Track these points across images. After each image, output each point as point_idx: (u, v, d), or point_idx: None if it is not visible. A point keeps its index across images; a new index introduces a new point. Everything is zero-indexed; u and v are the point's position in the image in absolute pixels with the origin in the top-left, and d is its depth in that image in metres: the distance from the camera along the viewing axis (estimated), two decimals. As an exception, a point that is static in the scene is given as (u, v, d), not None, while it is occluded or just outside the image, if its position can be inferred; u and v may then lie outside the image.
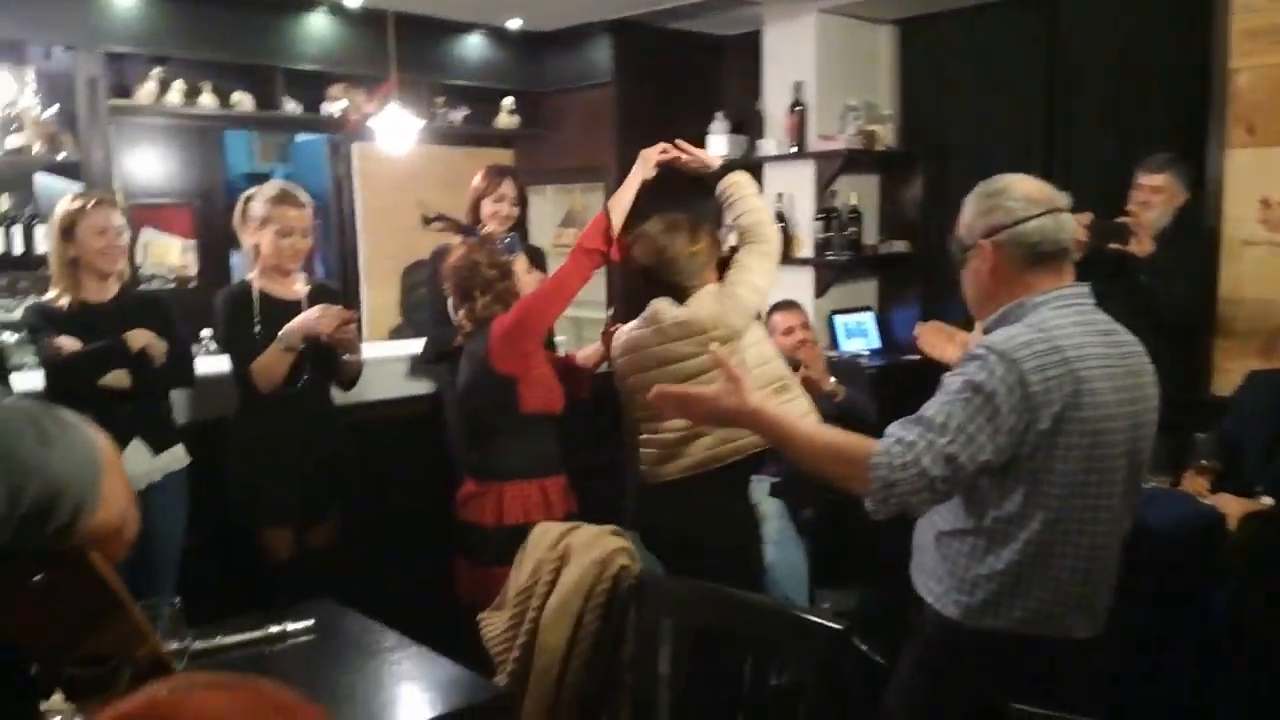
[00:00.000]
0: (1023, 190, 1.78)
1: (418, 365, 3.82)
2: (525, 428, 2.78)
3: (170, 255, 5.05)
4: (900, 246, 5.24)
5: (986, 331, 1.82)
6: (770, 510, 3.61)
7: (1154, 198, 3.86)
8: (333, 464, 3.23)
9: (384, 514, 3.52)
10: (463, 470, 3.00)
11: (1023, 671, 1.75)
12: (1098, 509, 1.72)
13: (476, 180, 3.68)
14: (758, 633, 1.90)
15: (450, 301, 2.94)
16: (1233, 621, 2.27)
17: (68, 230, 2.96)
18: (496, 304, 2.79)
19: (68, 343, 2.89)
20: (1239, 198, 3.92)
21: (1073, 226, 1.81)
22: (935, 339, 2.30)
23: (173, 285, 4.97)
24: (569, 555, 2.19)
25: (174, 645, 1.82)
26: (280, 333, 3.02)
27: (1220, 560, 2.27)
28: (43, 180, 4.44)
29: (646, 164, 2.98)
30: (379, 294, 5.52)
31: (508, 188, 3.64)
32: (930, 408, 1.68)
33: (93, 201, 3.02)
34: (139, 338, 2.95)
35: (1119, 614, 2.43)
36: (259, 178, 6.41)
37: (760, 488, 3.76)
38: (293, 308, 3.13)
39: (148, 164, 5.07)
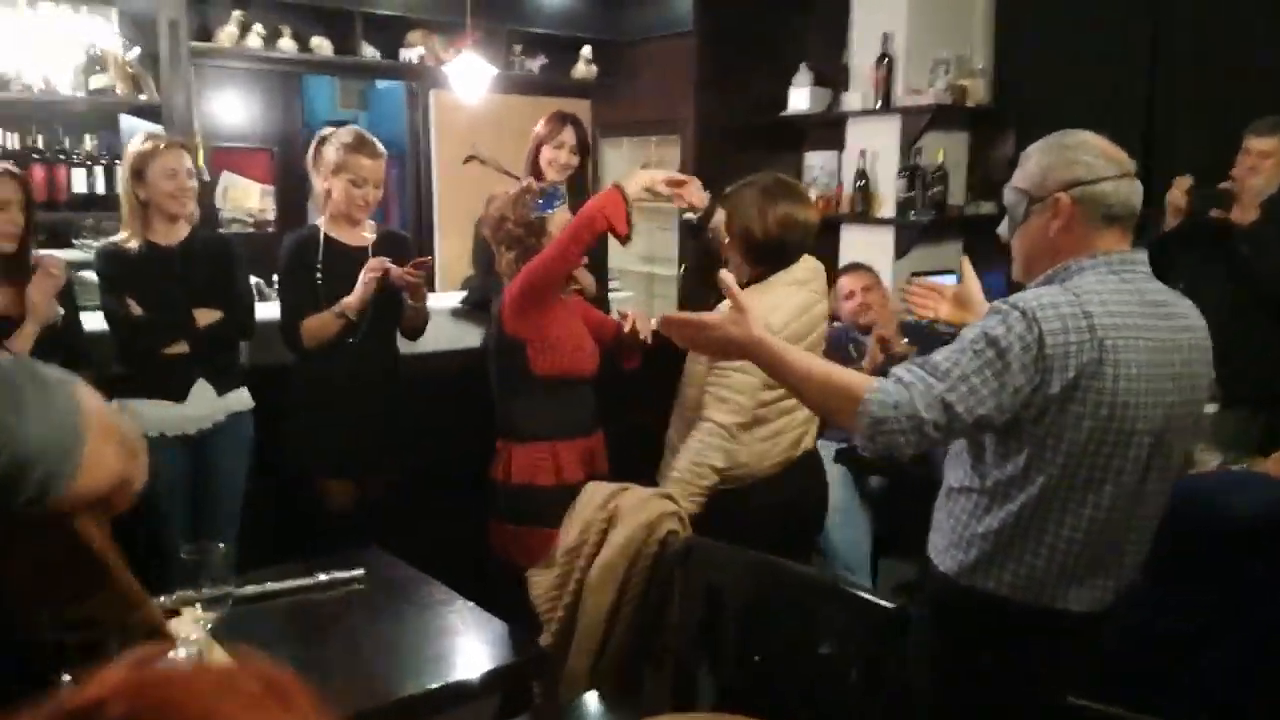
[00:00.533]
0: (1102, 148, 1.72)
1: (475, 315, 3.78)
2: (540, 390, 2.69)
3: (249, 199, 5.10)
4: (988, 208, 5.03)
5: None
6: (834, 477, 3.52)
7: (1262, 163, 3.62)
8: (394, 414, 3.23)
9: (444, 466, 3.51)
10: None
11: (1008, 634, 1.73)
12: (1104, 483, 1.65)
13: (538, 126, 3.60)
14: (807, 606, 1.84)
15: None
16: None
17: (138, 172, 2.99)
18: (521, 262, 2.69)
19: (134, 305, 2.95)
20: (1354, 164, 3.65)
21: (1141, 194, 1.73)
22: (926, 299, 2.20)
23: (251, 229, 5.03)
24: (617, 517, 2.15)
25: (221, 590, 1.84)
26: (341, 301, 3.02)
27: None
28: (129, 123, 4.50)
29: (641, 181, 2.73)
30: (452, 244, 5.50)
31: (568, 135, 3.54)
32: (940, 353, 1.64)
33: (164, 143, 3.03)
34: (206, 317, 3.01)
35: (1200, 599, 2.32)
36: (339, 124, 6.48)
37: (825, 453, 3.68)
38: (359, 254, 3.12)
39: (228, 108, 5.11)
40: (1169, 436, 1.66)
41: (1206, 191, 3.60)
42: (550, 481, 2.58)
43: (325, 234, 3.14)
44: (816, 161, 5.55)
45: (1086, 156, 1.69)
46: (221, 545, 1.83)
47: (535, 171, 3.57)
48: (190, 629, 1.80)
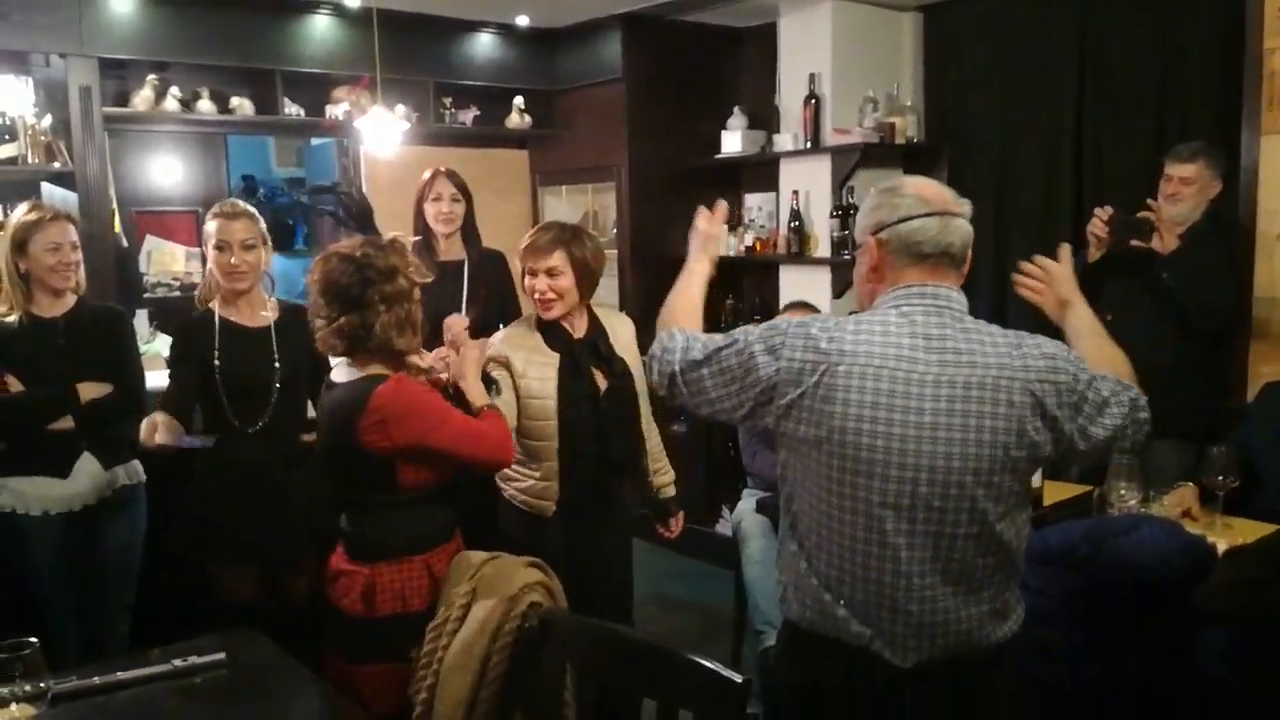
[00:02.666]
0: (916, 190, 1.72)
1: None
2: (407, 501, 2.23)
3: (174, 263, 5.02)
4: (924, 244, 4.97)
5: None
6: (754, 528, 3.42)
7: (1183, 189, 3.57)
8: (305, 506, 2.87)
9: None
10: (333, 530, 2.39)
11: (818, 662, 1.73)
12: (842, 522, 1.65)
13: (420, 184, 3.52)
14: (659, 680, 1.74)
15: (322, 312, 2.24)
16: (1223, 670, 2.03)
17: (20, 244, 2.90)
18: (393, 326, 2.18)
19: (13, 382, 2.85)
20: (1274, 188, 3.61)
21: (966, 235, 1.71)
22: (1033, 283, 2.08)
23: (177, 293, 4.94)
24: (480, 590, 2.04)
25: (37, 686, 1.73)
26: None
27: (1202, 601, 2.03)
28: (50, 191, 4.43)
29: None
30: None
31: (442, 185, 3.44)
32: (718, 335, 1.78)
33: (48, 215, 2.95)
34: (89, 390, 2.91)
35: (1098, 656, 2.21)
36: (274, 181, 6.40)
37: (746, 504, 3.58)
38: (259, 336, 2.88)
39: (150, 172, 5.03)
40: (931, 476, 1.58)
41: (1127, 219, 3.52)
42: (423, 605, 2.18)
43: (220, 317, 2.89)
44: (755, 203, 5.51)
45: (895, 199, 1.71)
46: (35, 641, 1.73)
47: (424, 227, 3.48)
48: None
